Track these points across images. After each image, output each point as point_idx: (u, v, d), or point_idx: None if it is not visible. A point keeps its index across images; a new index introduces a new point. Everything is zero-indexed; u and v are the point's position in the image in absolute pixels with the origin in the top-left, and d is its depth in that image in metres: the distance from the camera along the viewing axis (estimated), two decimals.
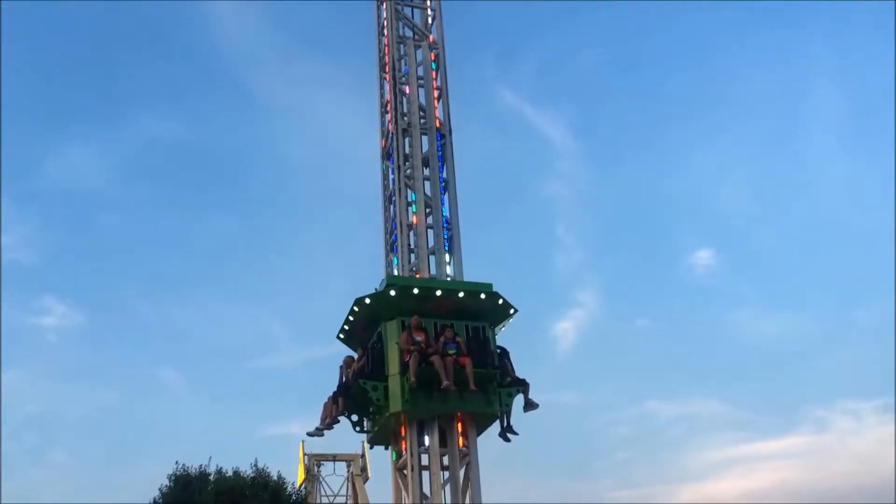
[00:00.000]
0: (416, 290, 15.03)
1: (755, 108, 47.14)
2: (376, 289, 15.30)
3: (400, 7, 18.07)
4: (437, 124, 17.27)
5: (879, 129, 47.52)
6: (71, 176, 45.71)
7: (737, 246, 47.22)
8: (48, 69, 46.78)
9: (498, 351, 15.38)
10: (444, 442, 14.85)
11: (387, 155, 17.28)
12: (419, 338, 14.57)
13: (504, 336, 15.77)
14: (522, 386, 15.22)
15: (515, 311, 15.41)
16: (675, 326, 46.50)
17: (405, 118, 17.24)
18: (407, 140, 17.10)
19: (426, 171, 16.95)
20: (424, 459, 14.84)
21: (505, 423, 15.22)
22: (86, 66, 47.37)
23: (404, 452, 14.87)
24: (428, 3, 18.38)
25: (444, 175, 16.93)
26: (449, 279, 15.93)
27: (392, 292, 14.90)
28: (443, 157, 17.07)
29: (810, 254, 47.33)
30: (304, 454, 23.73)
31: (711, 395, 45.47)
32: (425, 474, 14.78)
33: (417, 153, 16.92)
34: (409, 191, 16.72)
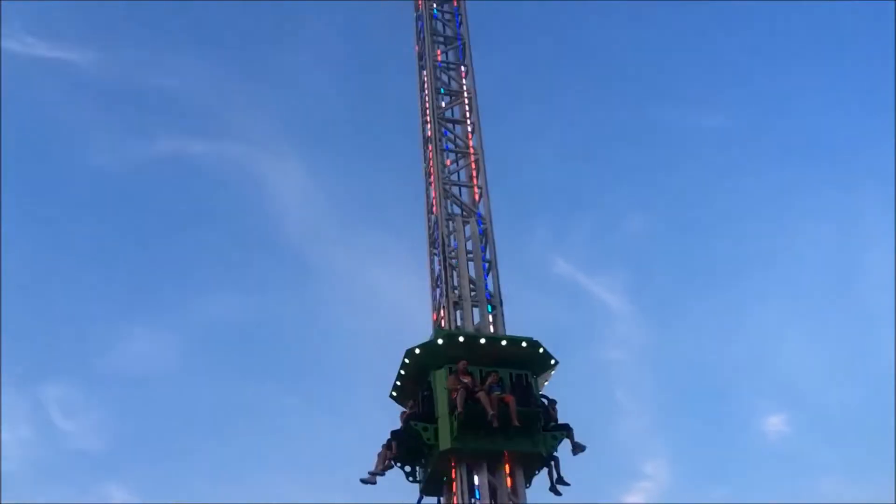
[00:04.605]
0: (461, 339, 16.33)
1: (810, 265, 46.71)
2: None
3: (447, 187, 18.99)
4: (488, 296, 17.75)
5: None
6: (136, 361, 46.86)
7: (808, 408, 45.38)
8: (110, 257, 49.17)
9: (544, 400, 16.08)
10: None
11: (439, 327, 17.64)
12: (466, 380, 15.53)
13: None
14: (566, 430, 15.69)
15: (557, 361, 16.46)
16: (753, 498, 44.04)
17: (456, 291, 17.75)
18: (458, 313, 17.53)
19: None
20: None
21: (555, 477, 15.61)
22: (148, 250, 49.62)
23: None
24: (475, 181, 19.28)
25: None
26: None
27: (440, 341, 16.26)
28: (494, 327, 17.41)
29: (885, 412, 45.33)
30: None
31: None
32: None
33: (469, 325, 17.29)
34: None
